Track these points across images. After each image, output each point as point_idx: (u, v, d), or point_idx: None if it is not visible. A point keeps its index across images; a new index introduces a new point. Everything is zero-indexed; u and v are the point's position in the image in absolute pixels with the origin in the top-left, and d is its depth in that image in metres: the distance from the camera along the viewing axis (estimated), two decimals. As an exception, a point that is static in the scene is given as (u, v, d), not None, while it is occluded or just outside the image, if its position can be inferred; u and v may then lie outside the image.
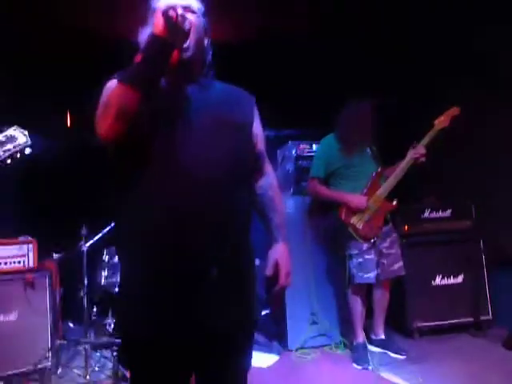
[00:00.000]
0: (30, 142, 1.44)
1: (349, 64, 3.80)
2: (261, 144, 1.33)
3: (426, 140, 2.77)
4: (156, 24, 1.02)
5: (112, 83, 1.12)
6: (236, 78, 1.35)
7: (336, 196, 2.82)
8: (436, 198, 3.42)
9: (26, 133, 1.44)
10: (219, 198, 1.10)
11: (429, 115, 2.82)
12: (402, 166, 2.79)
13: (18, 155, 1.43)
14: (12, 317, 2.70)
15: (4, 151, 1.41)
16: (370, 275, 2.74)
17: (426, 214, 3.29)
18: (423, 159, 2.77)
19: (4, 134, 1.43)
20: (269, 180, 1.36)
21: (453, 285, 3.18)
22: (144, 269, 1.10)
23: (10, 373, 2.60)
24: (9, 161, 1.42)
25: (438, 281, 3.17)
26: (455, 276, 3.19)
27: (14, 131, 1.44)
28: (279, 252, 1.28)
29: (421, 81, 3.76)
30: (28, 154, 1.44)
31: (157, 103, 1.06)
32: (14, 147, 1.42)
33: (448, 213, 3.31)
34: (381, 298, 2.92)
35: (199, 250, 1.08)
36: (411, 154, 2.78)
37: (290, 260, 1.29)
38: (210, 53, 1.25)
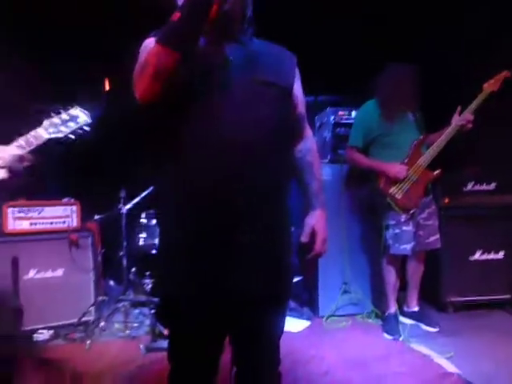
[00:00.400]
0: (90, 121, 1.59)
1: (392, 26, 3.59)
2: (301, 106, 1.29)
3: (473, 105, 2.61)
4: None
5: (149, 42, 1.10)
6: (272, 40, 1.29)
7: (374, 165, 2.74)
8: (480, 169, 3.25)
9: (87, 112, 1.59)
10: (259, 161, 1.09)
11: (479, 78, 2.64)
12: (447, 133, 2.65)
13: (80, 132, 1.58)
14: (59, 273, 2.89)
15: (68, 128, 1.56)
16: (406, 247, 2.68)
17: (469, 187, 3.14)
18: (470, 126, 2.62)
19: (68, 112, 1.59)
20: (308, 144, 1.32)
21: (492, 260, 3.08)
22: (183, 230, 1.10)
23: (58, 323, 2.82)
24: (72, 136, 1.56)
25: (476, 256, 3.08)
26: (495, 252, 3.08)
27: (76, 110, 1.60)
28: (316, 218, 1.26)
29: (471, 41, 3.49)
30: (87, 131, 1.59)
31: (195, 63, 1.03)
32: (77, 124, 1.58)
33: (492, 186, 3.15)
34: (415, 270, 2.88)
35: (238, 213, 1.07)
36: (456, 121, 2.64)
37: (326, 227, 1.27)
38: (251, 7, 1.18)
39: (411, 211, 2.67)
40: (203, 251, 1.08)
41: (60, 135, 1.55)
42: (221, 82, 1.06)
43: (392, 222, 2.71)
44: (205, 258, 1.08)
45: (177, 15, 0.97)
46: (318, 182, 1.30)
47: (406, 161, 2.68)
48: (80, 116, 1.60)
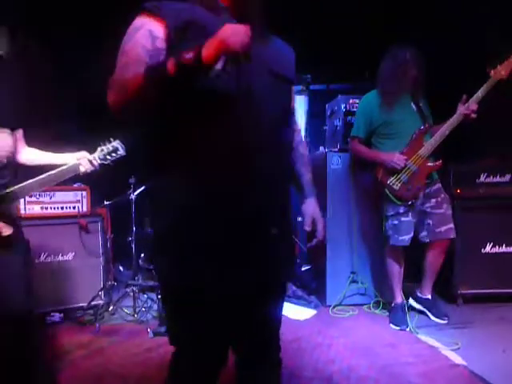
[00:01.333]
0: (124, 154, 2.04)
1: (404, 15, 3.51)
2: (293, 100, 1.34)
3: (479, 94, 2.49)
4: (209, 53, 0.90)
5: (139, 25, 1.02)
6: (285, 30, 1.29)
7: (372, 156, 2.71)
8: (495, 160, 3.16)
9: (123, 146, 2.04)
10: (276, 154, 1.12)
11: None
12: (449, 123, 2.55)
13: (116, 160, 2.03)
14: (69, 257, 2.93)
15: (111, 157, 2.00)
16: (405, 238, 2.65)
17: (482, 179, 3.08)
18: (473, 116, 2.51)
19: (112, 144, 2.01)
20: (299, 137, 1.37)
21: (504, 253, 3.02)
22: (199, 222, 1.05)
23: (68, 307, 2.87)
24: (110, 163, 2.01)
25: (488, 248, 3.03)
26: (508, 245, 3.03)
27: (116, 144, 2.02)
28: (313, 206, 1.32)
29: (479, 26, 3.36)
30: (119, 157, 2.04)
31: None
32: (116, 155, 2.02)
33: (507, 178, 3.08)
34: (433, 260, 2.77)
35: (258, 204, 1.08)
36: (460, 110, 2.54)
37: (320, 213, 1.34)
38: None
39: (410, 202, 2.63)
40: (220, 243, 1.05)
41: (105, 162, 2.00)
42: (240, 75, 1.03)
43: (391, 213, 2.67)
44: (221, 249, 1.05)
45: (171, 65, 0.90)
46: (309, 172, 1.36)
47: (405, 150, 2.62)
48: (119, 148, 2.03)
